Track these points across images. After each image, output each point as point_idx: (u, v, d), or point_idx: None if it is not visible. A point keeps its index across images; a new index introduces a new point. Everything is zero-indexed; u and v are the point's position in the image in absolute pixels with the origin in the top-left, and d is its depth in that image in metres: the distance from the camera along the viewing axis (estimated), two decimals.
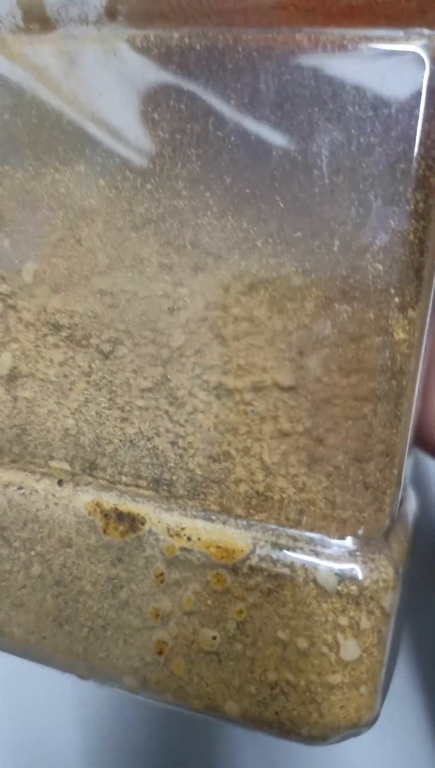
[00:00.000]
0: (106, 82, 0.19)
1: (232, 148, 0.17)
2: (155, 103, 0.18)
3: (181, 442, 0.19)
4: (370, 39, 0.17)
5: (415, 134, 0.16)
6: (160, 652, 0.18)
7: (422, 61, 0.16)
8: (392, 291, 0.16)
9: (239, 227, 0.17)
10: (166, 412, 0.19)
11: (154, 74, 0.18)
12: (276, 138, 0.17)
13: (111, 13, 0.19)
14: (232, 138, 0.17)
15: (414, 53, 0.16)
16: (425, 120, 0.16)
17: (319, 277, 0.17)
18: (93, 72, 0.19)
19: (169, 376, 0.19)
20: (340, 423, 0.18)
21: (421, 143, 0.16)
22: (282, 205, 0.17)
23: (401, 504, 0.20)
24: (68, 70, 0.20)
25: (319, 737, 0.18)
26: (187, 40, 0.18)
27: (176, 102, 0.18)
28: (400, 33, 0.17)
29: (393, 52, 0.16)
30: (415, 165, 0.16)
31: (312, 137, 0.17)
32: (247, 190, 0.17)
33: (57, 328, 0.20)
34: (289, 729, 0.18)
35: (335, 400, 0.18)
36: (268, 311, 0.18)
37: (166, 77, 0.18)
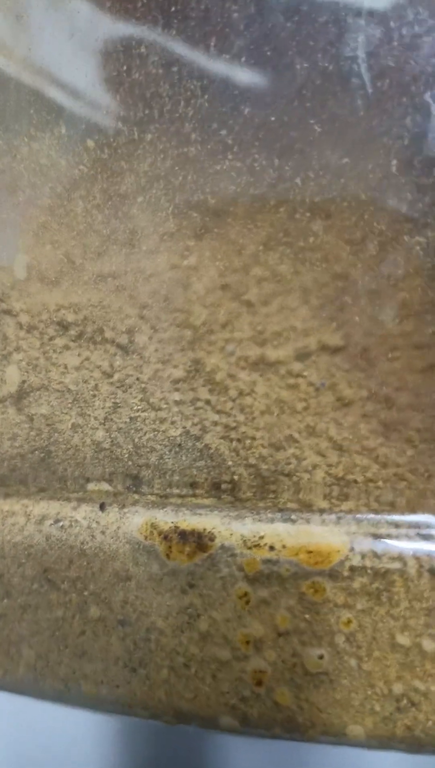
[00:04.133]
0: (73, 18, 0.15)
1: (244, 70, 0.14)
2: (140, 32, 0.15)
3: (234, 434, 0.16)
4: None
5: None
6: (259, 683, 0.15)
7: None
8: None
9: (270, 165, 0.14)
10: (208, 402, 0.16)
11: None
12: (297, 48, 0.14)
13: None
14: (243, 58, 0.14)
15: None
16: None
17: (380, 209, 0.14)
18: (54, 10, 0.16)
19: (201, 360, 0.16)
20: (408, 378, 0.15)
21: None
22: (319, 129, 0.14)
23: None
24: (23, 16, 0.16)
25: None
26: None
27: (165, 27, 0.15)
28: None
29: None
30: None
31: (342, 39, 0.14)
32: (273, 118, 0.14)
33: (64, 327, 0.17)
34: (425, 743, 0.15)
35: (395, 353, 0.15)
36: (292, 265, 0.15)
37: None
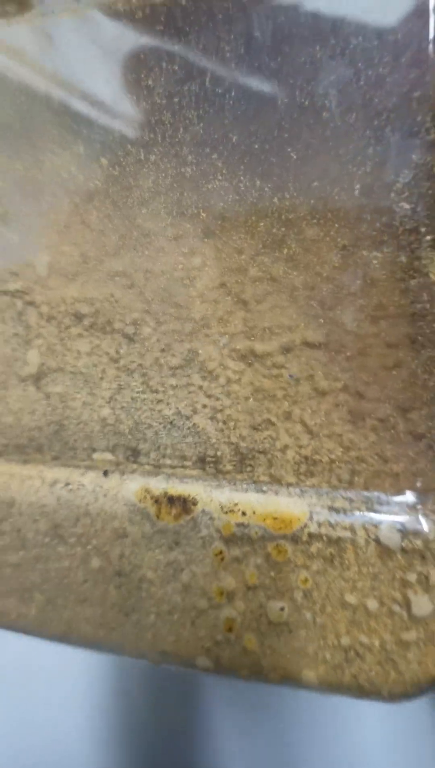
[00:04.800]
0: (90, 55, 0.18)
1: (233, 103, 0.16)
2: (147, 68, 0.17)
3: (220, 416, 0.19)
4: None
5: (427, 57, 0.15)
6: (230, 630, 0.18)
7: None
8: (423, 229, 0.16)
9: (253, 186, 0.17)
10: (201, 387, 0.19)
11: (142, 38, 0.17)
12: (279, 85, 0.16)
13: None
14: (233, 93, 0.16)
15: None
16: None
17: (343, 226, 0.16)
18: (75, 47, 0.18)
19: (197, 350, 0.19)
20: (378, 373, 0.17)
21: None
22: (294, 156, 0.16)
23: None
24: (48, 47, 0.19)
25: (400, 695, 0.17)
26: None
27: (169, 64, 0.17)
28: None
29: None
30: (431, 91, 0.15)
31: (317, 78, 0.16)
32: (256, 146, 0.16)
33: (79, 317, 0.20)
34: (368, 690, 0.17)
35: (369, 351, 0.17)
36: (286, 268, 0.17)
37: (155, 39, 0.17)
